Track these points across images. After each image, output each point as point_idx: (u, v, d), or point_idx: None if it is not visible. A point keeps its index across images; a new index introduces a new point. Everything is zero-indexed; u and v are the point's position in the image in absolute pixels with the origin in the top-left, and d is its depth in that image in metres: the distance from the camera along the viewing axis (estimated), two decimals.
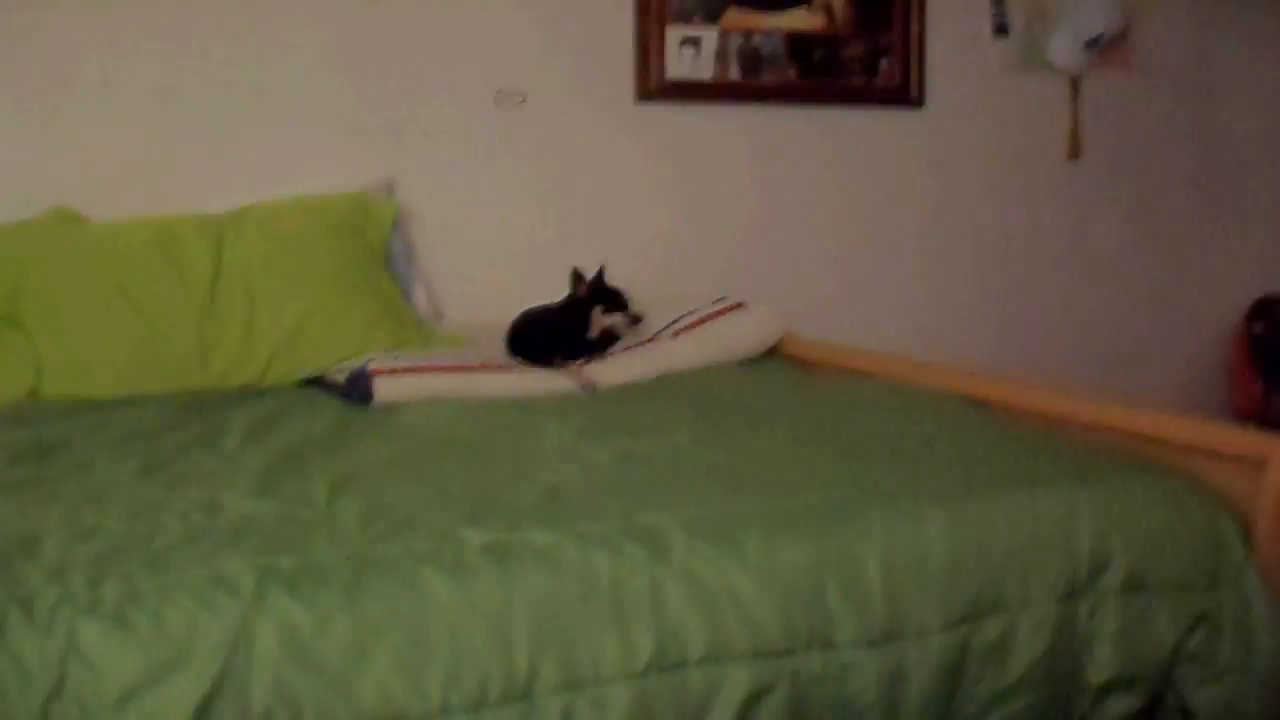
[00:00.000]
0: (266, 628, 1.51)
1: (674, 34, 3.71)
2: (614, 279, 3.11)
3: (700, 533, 1.74)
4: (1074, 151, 4.29)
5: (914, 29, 4.00)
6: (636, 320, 3.05)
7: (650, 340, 3.11)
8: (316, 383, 2.93)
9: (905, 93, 4.02)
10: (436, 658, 1.55)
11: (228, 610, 1.51)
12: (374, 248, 3.20)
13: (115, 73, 3.21)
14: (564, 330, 3.03)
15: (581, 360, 2.98)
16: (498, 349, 3.05)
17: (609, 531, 1.72)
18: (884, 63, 3.98)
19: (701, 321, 3.16)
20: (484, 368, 2.86)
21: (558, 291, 3.10)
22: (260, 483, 2.04)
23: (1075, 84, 4.25)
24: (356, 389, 2.72)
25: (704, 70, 3.76)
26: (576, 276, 3.05)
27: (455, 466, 2.14)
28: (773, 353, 3.22)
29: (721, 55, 3.78)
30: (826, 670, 1.70)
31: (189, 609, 1.50)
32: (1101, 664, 1.84)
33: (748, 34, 3.80)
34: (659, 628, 1.63)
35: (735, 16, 3.79)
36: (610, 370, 2.94)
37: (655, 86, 3.71)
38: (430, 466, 2.15)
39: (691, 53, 3.73)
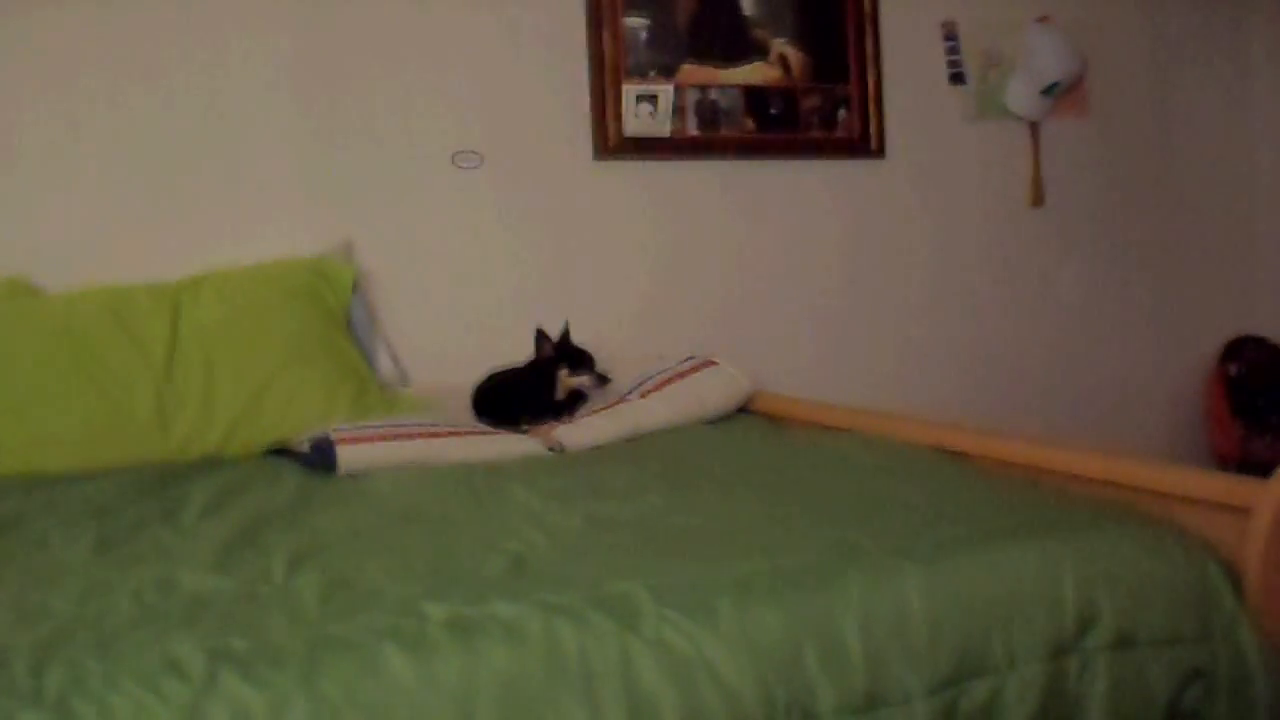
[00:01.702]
0: (218, 713, 1.43)
1: (630, 90, 3.69)
2: (580, 338, 3.06)
3: (671, 600, 1.67)
4: (1037, 198, 4.30)
5: (871, 80, 4.01)
6: (604, 381, 3.00)
7: (619, 401, 3.06)
8: (281, 452, 2.87)
9: (865, 144, 4.02)
10: None
11: (177, 696, 1.43)
12: (334, 312, 3.15)
13: (66, 140, 3.17)
14: (530, 392, 2.98)
15: (549, 422, 2.92)
16: (464, 412, 2.99)
17: (576, 602, 1.65)
18: (843, 114, 3.98)
19: (671, 380, 3.11)
20: (450, 433, 2.79)
21: (525, 352, 3.05)
22: (218, 558, 1.97)
23: (1035, 130, 4.26)
24: (319, 457, 2.66)
25: (662, 126, 3.74)
26: (541, 337, 2.99)
27: (419, 536, 2.07)
28: (744, 409, 3.19)
29: (679, 111, 3.76)
30: None
31: (136, 695, 1.42)
32: None
33: (704, 89, 3.78)
34: (631, 701, 1.56)
35: (691, 71, 3.78)
36: (578, 432, 2.88)
37: (613, 143, 3.69)
38: (393, 537, 2.08)
39: (649, 109, 3.71)
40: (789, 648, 1.65)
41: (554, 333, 3.02)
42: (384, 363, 3.28)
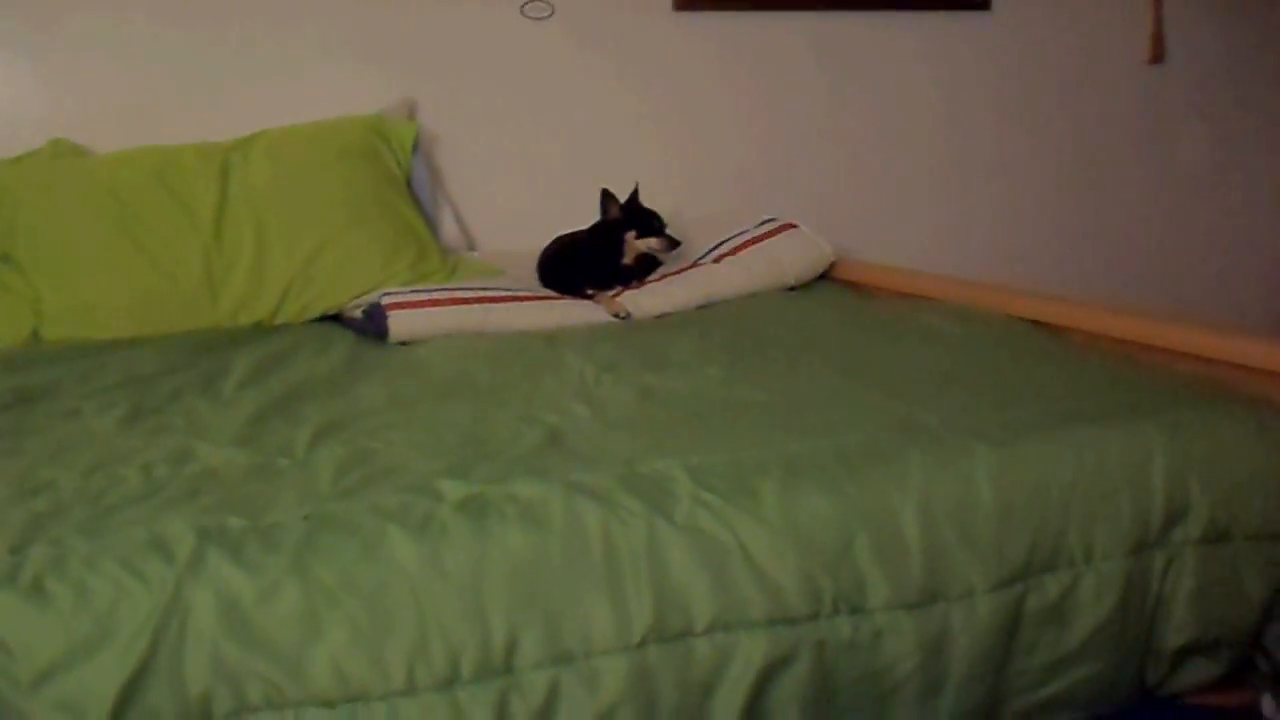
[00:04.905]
0: (203, 598, 1.34)
1: None
2: (652, 201, 2.88)
3: (710, 482, 1.53)
4: (1156, 54, 4.00)
5: None
6: (674, 244, 2.82)
7: (692, 266, 2.90)
8: (335, 319, 2.77)
9: None
10: (399, 630, 1.37)
11: (159, 578, 1.34)
12: (393, 173, 2.99)
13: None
14: (595, 257, 2.82)
15: (616, 289, 2.76)
16: (529, 279, 2.86)
17: (605, 481, 1.52)
18: None
19: (748, 244, 2.94)
20: (509, 299, 2.66)
21: (596, 216, 2.88)
22: (243, 430, 1.88)
23: None
24: (371, 324, 2.56)
25: None
26: (607, 197, 2.82)
27: (457, 408, 1.96)
28: (825, 277, 3.01)
29: None
30: (856, 637, 1.50)
31: (116, 577, 1.34)
32: (1178, 626, 1.63)
33: None
34: (658, 592, 1.44)
35: None
36: (646, 299, 2.74)
37: None
38: (430, 408, 1.97)
39: None
40: (838, 536, 1.52)
41: (623, 195, 2.85)
42: (448, 227, 3.14)
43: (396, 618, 1.36)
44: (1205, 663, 1.65)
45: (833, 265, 3.02)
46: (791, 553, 1.48)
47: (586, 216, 2.90)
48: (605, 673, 1.41)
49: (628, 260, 2.81)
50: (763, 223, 3.02)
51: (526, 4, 3.32)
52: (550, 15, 3.34)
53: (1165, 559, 1.62)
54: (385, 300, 2.57)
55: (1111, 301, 2.51)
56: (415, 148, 3.07)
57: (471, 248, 3.19)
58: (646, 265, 2.85)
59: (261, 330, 2.67)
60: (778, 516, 1.50)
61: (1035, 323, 2.39)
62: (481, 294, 2.66)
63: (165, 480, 1.62)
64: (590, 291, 2.75)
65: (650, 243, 2.81)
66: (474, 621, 1.38)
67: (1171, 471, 1.63)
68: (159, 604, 1.32)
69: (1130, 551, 1.60)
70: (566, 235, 2.90)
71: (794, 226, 3.00)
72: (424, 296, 2.60)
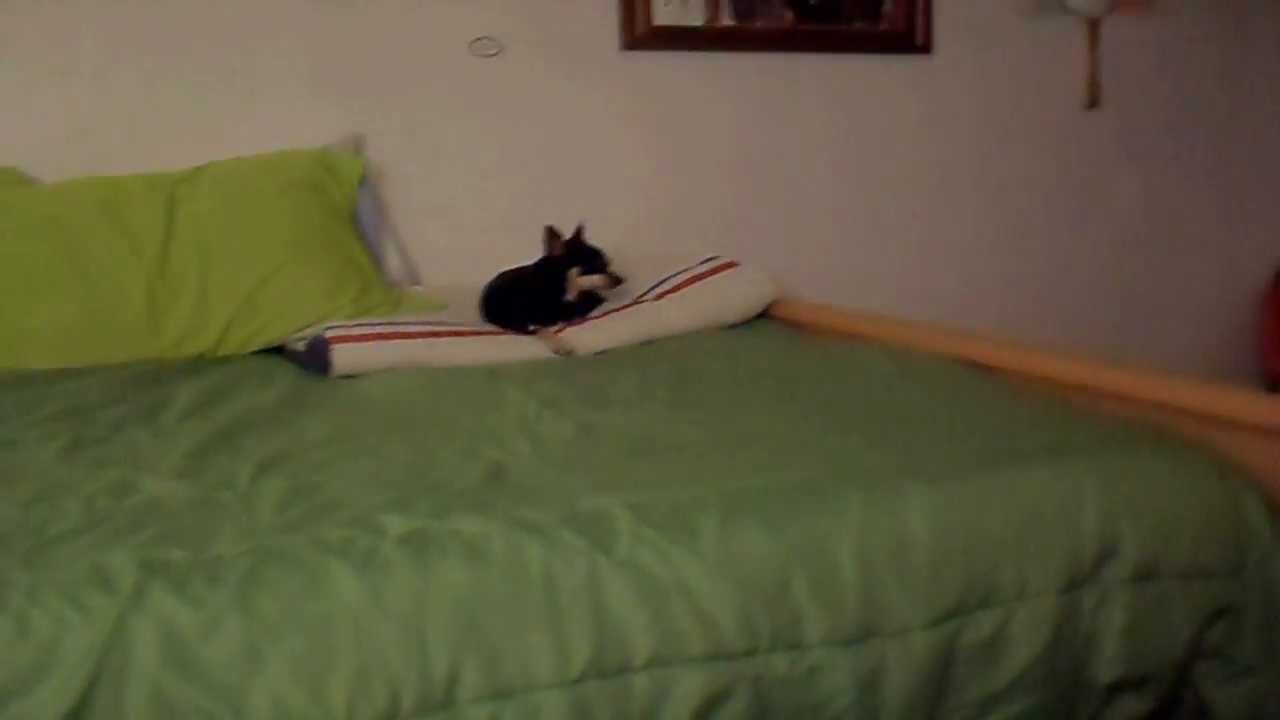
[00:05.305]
0: (145, 631, 1.33)
1: None
2: (597, 238, 2.90)
3: (650, 518, 1.54)
4: (1092, 100, 4.09)
5: None
6: (617, 282, 2.84)
7: (634, 303, 2.92)
8: (279, 352, 2.76)
9: (910, 38, 3.82)
10: (341, 664, 1.36)
11: (101, 611, 1.33)
12: (338, 207, 3.00)
13: (63, 26, 3.02)
14: (538, 293, 2.83)
15: (558, 325, 2.78)
16: (472, 313, 2.87)
17: (546, 518, 1.53)
18: (887, 5, 3.77)
19: (689, 282, 2.97)
20: (452, 333, 2.68)
21: (540, 252, 2.90)
22: (186, 462, 1.88)
23: (1093, 27, 4.03)
24: (314, 358, 2.56)
25: (694, 15, 3.54)
26: (551, 235, 2.84)
27: (400, 442, 1.96)
28: (766, 315, 3.04)
29: None
30: (793, 673, 1.51)
31: (57, 609, 1.33)
32: (1108, 662, 1.64)
33: None
34: (598, 628, 1.44)
35: None
36: (589, 335, 2.75)
37: (641, 34, 3.50)
38: (373, 442, 1.97)
39: None
40: (776, 572, 1.53)
41: (569, 231, 2.86)
42: (393, 261, 3.16)
43: (338, 652, 1.36)
44: (1134, 699, 1.67)
45: (773, 304, 3.04)
46: (730, 589, 1.49)
47: (532, 252, 2.91)
48: (545, 707, 1.41)
49: (571, 297, 2.83)
50: (705, 260, 3.04)
51: (475, 41, 3.34)
52: (498, 53, 3.37)
53: (1096, 596, 1.64)
54: (329, 334, 2.57)
55: (1045, 343, 2.55)
56: (361, 182, 3.08)
57: (416, 282, 3.20)
58: (589, 302, 2.87)
59: (204, 362, 2.67)
60: (716, 553, 1.51)
61: (971, 363, 2.42)
62: (425, 328, 2.67)
63: (107, 512, 1.61)
64: (533, 327, 2.76)
65: (593, 280, 2.83)
66: (415, 656, 1.38)
67: (1102, 511, 1.66)
68: (99, 637, 1.31)
69: (1062, 589, 1.62)
70: (510, 271, 2.91)
71: (735, 265, 3.03)
72: (367, 330, 2.61)
